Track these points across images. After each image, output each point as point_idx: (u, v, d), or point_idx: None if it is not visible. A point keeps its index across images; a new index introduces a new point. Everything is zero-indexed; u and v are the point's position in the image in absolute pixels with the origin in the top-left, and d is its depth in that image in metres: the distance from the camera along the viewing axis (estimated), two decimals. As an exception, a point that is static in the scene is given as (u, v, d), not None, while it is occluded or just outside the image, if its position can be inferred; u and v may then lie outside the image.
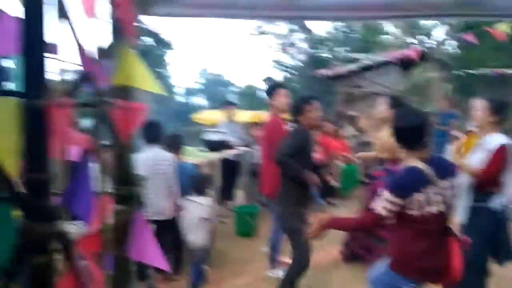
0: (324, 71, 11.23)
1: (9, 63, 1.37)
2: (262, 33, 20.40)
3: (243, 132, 6.69)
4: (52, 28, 0.94)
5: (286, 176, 3.16)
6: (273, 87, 4.07)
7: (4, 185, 0.86)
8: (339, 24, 18.44)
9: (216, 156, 5.61)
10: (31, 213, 0.89)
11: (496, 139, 2.84)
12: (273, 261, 3.95)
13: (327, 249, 4.34)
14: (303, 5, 1.63)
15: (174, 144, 3.95)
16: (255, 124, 6.94)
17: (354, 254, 4.12)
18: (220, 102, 8.43)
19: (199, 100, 40.15)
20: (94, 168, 1.13)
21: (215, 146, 5.53)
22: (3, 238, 0.87)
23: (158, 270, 3.30)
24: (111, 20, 1.33)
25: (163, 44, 23.70)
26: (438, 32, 16.73)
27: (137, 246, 1.39)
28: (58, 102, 0.95)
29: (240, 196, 6.55)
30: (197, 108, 27.88)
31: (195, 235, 3.39)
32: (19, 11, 0.90)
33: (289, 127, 3.25)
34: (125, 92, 1.34)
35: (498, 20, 4.55)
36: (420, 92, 13.17)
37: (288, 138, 3.14)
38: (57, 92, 1.04)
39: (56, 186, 0.99)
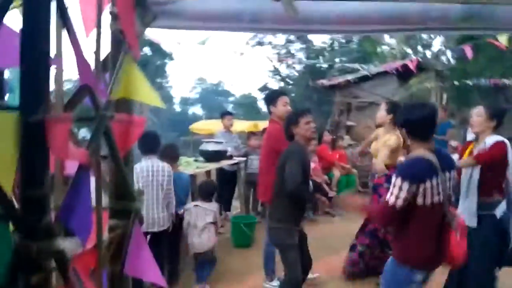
0: (321, 81, 11.29)
1: (5, 75, 1.35)
2: (260, 43, 20.49)
3: (240, 142, 6.69)
4: (52, 40, 0.92)
5: (282, 192, 3.01)
6: (274, 94, 4.05)
7: (0, 202, 0.84)
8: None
9: (213, 166, 5.58)
10: (27, 230, 0.87)
11: (494, 139, 3.01)
12: (269, 273, 3.89)
13: (326, 260, 4.32)
14: (308, 19, 1.62)
15: (170, 155, 3.93)
16: (252, 134, 6.95)
17: (362, 270, 3.97)
18: (217, 112, 8.43)
19: (196, 110, 40.18)
20: (91, 182, 1.11)
21: (212, 156, 5.51)
22: (-2, 255, 0.85)
23: (154, 285, 3.28)
24: (111, 32, 1.32)
25: (163, 54, 23.74)
26: (435, 43, 16.91)
27: (133, 261, 1.37)
28: (57, 116, 0.93)
29: (237, 207, 6.51)
30: (194, 118, 27.90)
31: (200, 239, 3.42)
32: (19, 23, 0.89)
33: (287, 145, 3.21)
34: (124, 105, 1.32)
35: (505, 32, 4.62)
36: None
37: (292, 163, 2.95)
38: (56, 106, 1.02)
39: (53, 202, 0.96)
